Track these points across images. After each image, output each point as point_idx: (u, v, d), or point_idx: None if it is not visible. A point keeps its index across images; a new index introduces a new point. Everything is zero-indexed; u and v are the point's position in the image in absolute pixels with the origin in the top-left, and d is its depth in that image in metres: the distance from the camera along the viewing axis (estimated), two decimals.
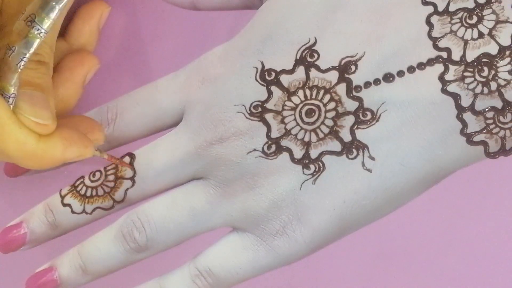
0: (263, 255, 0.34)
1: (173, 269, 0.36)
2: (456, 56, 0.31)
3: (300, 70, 0.33)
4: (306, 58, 0.33)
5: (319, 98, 0.33)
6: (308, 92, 0.33)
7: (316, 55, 0.33)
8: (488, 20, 0.31)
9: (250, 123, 0.33)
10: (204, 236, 0.35)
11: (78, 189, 0.36)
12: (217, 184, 0.34)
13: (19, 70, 0.31)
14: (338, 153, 0.33)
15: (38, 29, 0.30)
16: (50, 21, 0.30)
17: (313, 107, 0.33)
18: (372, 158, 0.32)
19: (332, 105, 0.33)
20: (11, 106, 0.31)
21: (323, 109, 0.33)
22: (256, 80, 0.33)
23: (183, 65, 0.36)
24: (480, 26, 0.31)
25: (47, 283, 0.36)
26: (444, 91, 0.31)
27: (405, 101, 0.32)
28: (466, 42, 0.31)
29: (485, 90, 0.31)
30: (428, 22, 0.31)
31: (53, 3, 0.30)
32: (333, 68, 0.32)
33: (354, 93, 0.32)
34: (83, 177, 0.36)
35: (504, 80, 0.31)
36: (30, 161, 0.32)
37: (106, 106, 0.36)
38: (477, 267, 0.44)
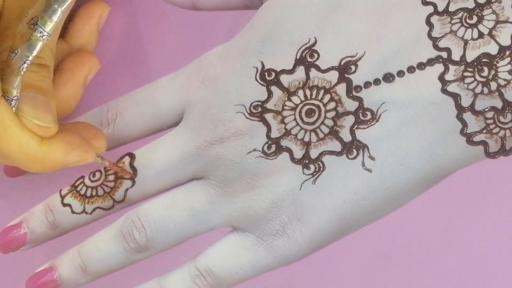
0: (263, 255, 0.34)
1: (173, 269, 0.36)
2: (456, 56, 0.31)
3: (300, 70, 0.33)
4: (306, 58, 0.33)
5: (319, 98, 0.33)
6: (308, 92, 0.33)
7: (316, 55, 0.33)
8: (488, 20, 0.31)
9: (250, 123, 0.33)
10: (204, 236, 0.35)
11: (78, 189, 0.36)
12: (217, 184, 0.34)
13: (22, 73, 0.31)
14: (338, 153, 0.33)
15: (41, 32, 0.31)
16: (52, 23, 0.31)
17: (313, 107, 0.33)
18: (372, 158, 0.32)
19: (332, 105, 0.33)
20: (13, 108, 0.31)
21: (323, 109, 0.33)
22: (256, 80, 0.33)
23: (183, 65, 0.36)
24: (480, 26, 0.31)
25: (47, 283, 0.36)
26: (444, 91, 0.31)
27: (405, 101, 0.32)
28: (466, 42, 0.31)
29: (485, 90, 0.31)
30: (428, 22, 0.31)
31: (56, 6, 0.30)
32: (333, 68, 0.32)
33: (354, 93, 0.32)
34: (83, 177, 0.36)
35: (504, 80, 0.31)
36: (32, 164, 0.32)
37: (106, 106, 0.36)
38: (477, 267, 0.44)
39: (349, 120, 0.33)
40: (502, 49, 0.31)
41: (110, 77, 0.41)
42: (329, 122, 0.33)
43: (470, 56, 0.31)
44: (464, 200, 0.44)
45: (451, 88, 0.31)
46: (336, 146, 0.33)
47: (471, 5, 0.31)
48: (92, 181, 0.36)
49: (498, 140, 0.31)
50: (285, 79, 0.33)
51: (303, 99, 0.33)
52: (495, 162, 0.32)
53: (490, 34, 0.31)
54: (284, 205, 0.33)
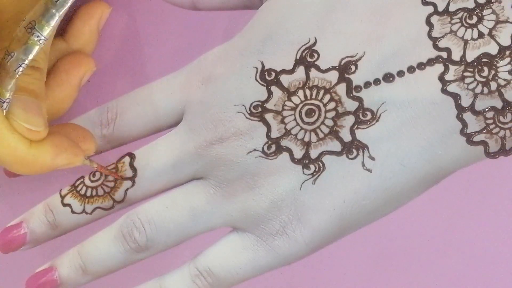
0: (263, 255, 0.34)
1: (173, 269, 0.36)
2: (456, 56, 0.31)
3: (300, 70, 0.33)
4: (306, 58, 0.33)
5: (319, 98, 0.33)
6: (308, 92, 0.33)
7: (316, 55, 0.33)
8: (488, 20, 0.31)
9: (250, 123, 0.33)
10: (204, 236, 0.35)
11: (78, 189, 0.36)
12: (217, 184, 0.34)
13: (17, 75, 0.31)
14: (338, 153, 0.33)
15: (38, 36, 0.31)
16: (50, 28, 0.31)
17: (313, 107, 0.33)
18: (372, 158, 0.32)
19: (332, 105, 0.33)
20: (4, 111, 0.31)
21: (323, 109, 0.33)
22: (256, 80, 0.33)
23: (183, 65, 0.36)
24: (480, 26, 0.31)
25: (47, 283, 0.36)
26: (444, 91, 0.31)
27: (405, 101, 0.32)
28: (466, 42, 0.31)
29: (485, 90, 0.31)
30: (428, 22, 0.31)
31: (53, 11, 0.31)
32: (333, 68, 0.32)
33: (354, 93, 0.32)
34: (83, 177, 0.36)
35: (504, 80, 0.31)
36: (20, 166, 0.32)
37: (106, 106, 0.36)
38: (477, 267, 0.44)
39: (349, 120, 0.33)
40: (502, 49, 0.31)
41: (110, 77, 0.41)
42: (329, 122, 0.33)
43: (470, 56, 0.31)
44: (464, 200, 0.44)
45: (451, 88, 0.31)
46: (336, 146, 0.33)
47: (471, 5, 0.31)
48: (92, 181, 0.36)
49: (498, 140, 0.31)
50: (285, 79, 0.33)
51: (303, 99, 0.33)
52: (495, 162, 0.32)
53: (490, 34, 0.31)
54: (284, 205, 0.33)
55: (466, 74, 0.31)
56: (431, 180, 0.33)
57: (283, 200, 0.33)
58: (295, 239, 0.34)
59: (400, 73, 0.32)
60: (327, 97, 0.33)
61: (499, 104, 0.31)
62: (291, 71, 0.33)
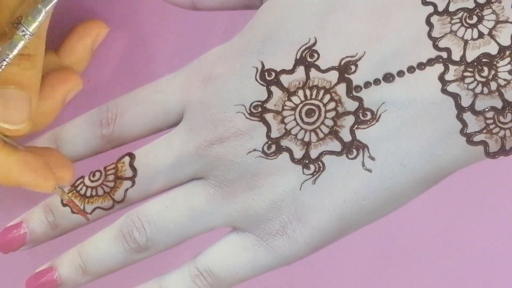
0: (263, 255, 0.34)
1: (173, 269, 0.36)
2: (456, 56, 0.31)
3: (300, 70, 0.33)
4: (306, 58, 0.33)
5: (319, 98, 0.33)
6: (308, 92, 0.33)
7: (316, 55, 0.33)
8: (488, 20, 0.31)
9: (250, 123, 0.33)
10: (204, 236, 0.35)
11: (78, 189, 0.36)
12: (217, 184, 0.34)
13: (0, 70, 0.31)
14: (338, 153, 0.33)
15: (23, 31, 0.31)
16: (36, 23, 0.31)
17: (313, 107, 0.33)
18: (372, 158, 0.32)
19: (332, 105, 0.33)
20: None
21: (323, 109, 0.33)
22: (256, 80, 0.33)
23: (183, 65, 0.36)
24: (480, 26, 0.31)
25: (47, 283, 0.36)
26: (444, 91, 0.31)
27: (405, 101, 0.32)
28: (466, 42, 0.31)
29: (485, 90, 0.31)
30: (428, 22, 0.31)
31: (40, 6, 0.31)
32: (333, 68, 0.32)
33: (354, 93, 0.32)
34: (83, 177, 0.36)
35: (504, 80, 0.31)
36: None
37: (106, 106, 0.36)
38: (477, 267, 0.44)
39: (349, 120, 0.33)
40: (502, 49, 0.31)
41: (110, 77, 0.41)
42: (329, 122, 0.33)
43: (470, 56, 0.31)
44: (464, 200, 0.44)
45: (451, 88, 0.31)
46: (336, 146, 0.33)
47: (471, 5, 0.31)
48: (92, 181, 0.36)
49: (498, 140, 0.31)
50: (285, 79, 0.33)
51: (303, 99, 0.33)
52: (495, 162, 0.32)
53: (490, 34, 0.31)
54: (284, 205, 0.33)
55: (466, 74, 0.31)
56: (431, 180, 0.33)
57: (283, 200, 0.33)
58: (295, 239, 0.34)
59: (400, 73, 0.32)
60: (327, 97, 0.33)
61: (499, 104, 0.31)
62: (291, 71, 0.33)
